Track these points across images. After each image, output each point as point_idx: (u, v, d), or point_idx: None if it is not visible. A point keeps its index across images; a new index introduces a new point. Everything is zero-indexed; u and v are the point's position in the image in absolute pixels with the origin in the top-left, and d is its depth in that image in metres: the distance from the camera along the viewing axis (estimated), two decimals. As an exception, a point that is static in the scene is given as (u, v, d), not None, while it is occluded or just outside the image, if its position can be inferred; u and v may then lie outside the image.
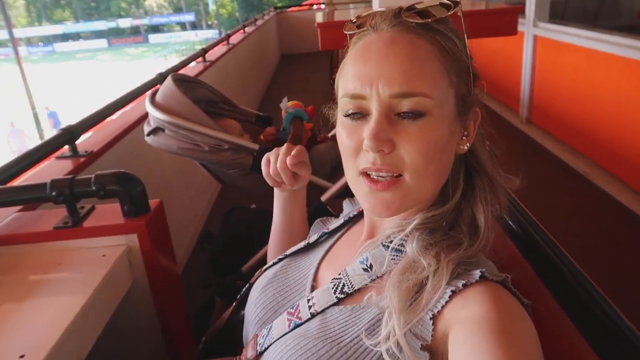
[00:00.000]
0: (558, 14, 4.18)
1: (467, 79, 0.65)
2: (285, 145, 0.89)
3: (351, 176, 0.67)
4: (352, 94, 0.63)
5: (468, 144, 0.67)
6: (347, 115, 0.65)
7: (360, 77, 0.62)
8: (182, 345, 1.18)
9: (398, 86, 0.60)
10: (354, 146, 0.64)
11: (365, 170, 0.63)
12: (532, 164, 3.67)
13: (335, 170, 1.73)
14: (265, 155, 0.90)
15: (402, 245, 0.67)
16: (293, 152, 0.85)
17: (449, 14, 0.63)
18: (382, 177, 0.63)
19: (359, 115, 0.63)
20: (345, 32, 0.70)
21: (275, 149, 0.89)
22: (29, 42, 50.62)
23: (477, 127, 0.68)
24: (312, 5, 11.61)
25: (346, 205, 0.95)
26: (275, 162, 0.86)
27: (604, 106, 3.37)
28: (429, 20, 0.62)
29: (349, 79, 0.64)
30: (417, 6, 0.64)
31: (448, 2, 0.63)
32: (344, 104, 0.65)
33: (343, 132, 0.66)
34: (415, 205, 0.67)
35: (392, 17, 0.64)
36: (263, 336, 0.73)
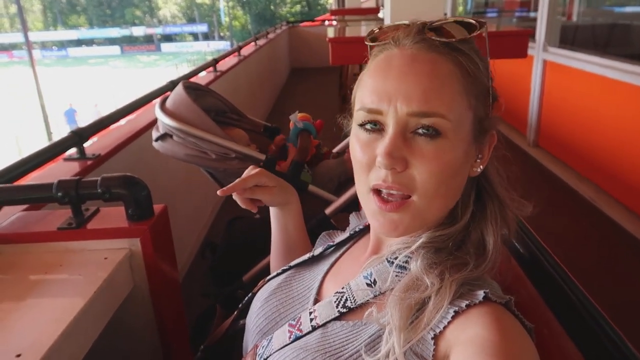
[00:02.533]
0: (568, 40, 4.19)
1: (485, 102, 0.64)
2: (247, 169, 0.88)
3: (362, 191, 0.66)
4: (369, 108, 0.62)
5: (481, 167, 0.66)
6: (362, 125, 0.63)
7: (378, 92, 0.61)
8: (180, 352, 1.17)
9: (416, 105, 0.59)
10: (367, 161, 0.63)
11: (375, 186, 0.63)
12: (537, 187, 3.65)
13: (341, 185, 1.73)
14: None
15: (406, 262, 0.66)
16: (230, 185, 0.84)
17: (474, 34, 0.62)
18: (392, 195, 0.62)
19: (375, 127, 0.62)
20: (367, 43, 0.69)
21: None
22: (44, 45, 51.35)
23: (491, 150, 0.67)
24: (324, 21, 11.74)
25: (352, 219, 0.94)
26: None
27: (612, 133, 3.37)
28: (454, 39, 0.61)
29: (367, 92, 0.63)
30: (441, 23, 0.63)
31: (474, 22, 0.62)
32: (359, 116, 0.64)
33: (357, 144, 0.64)
34: (423, 227, 0.66)
35: (416, 33, 0.63)
36: (263, 347, 0.72)
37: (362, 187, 0.66)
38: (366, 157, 0.63)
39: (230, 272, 1.72)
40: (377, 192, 0.63)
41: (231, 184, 0.84)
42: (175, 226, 1.16)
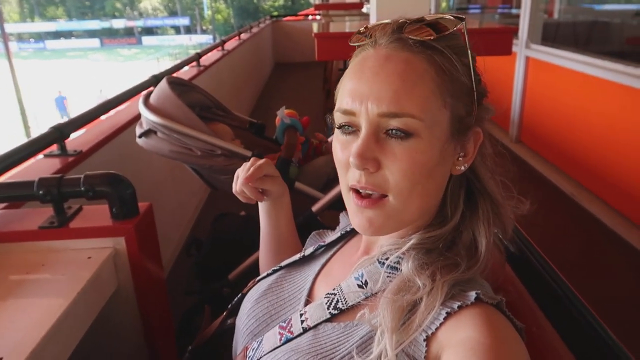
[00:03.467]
0: (550, 37, 4.24)
1: (466, 99, 0.64)
2: (251, 160, 0.88)
3: (343, 190, 0.67)
4: (343, 109, 0.63)
5: (465, 165, 0.66)
6: (339, 128, 0.65)
7: (352, 93, 0.62)
8: (165, 351, 1.16)
9: (386, 106, 0.59)
10: (345, 161, 0.63)
11: (352, 186, 0.64)
12: (519, 183, 3.69)
13: (330, 182, 1.72)
14: (236, 172, 0.89)
15: (398, 262, 0.66)
16: (250, 171, 0.85)
17: (450, 31, 0.61)
18: (369, 194, 0.62)
19: (351, 129, 0.63)
20: (350, 44, 0.69)
21: (243, 165, 0.89)
22: (20, 38, 50.17)
23: (477, 148, 0.67)
24: (307, 15, 11.70)
25: (343, 219, 0.94)
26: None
27: (592, 129, 3.42)
28: (431, 37, 0.61)
29: (344, 94, 0.64)
30: (419, 22, 0.62)
31: (452, 18, 0.61)
32: (337, 118, 0.65)
33: (337, 145, 0.66)
34: (401, 226, 0.66)
35: (392, 32, 0.63)
36: (253, 349, 0.71)
37: (343, 186, 0.67)
38: (344, 157, 0.64)
39: (215, 269, 1.71)
40: (355, 190, 0.64)
41: (249, 173, 0.85)
42: (159, 222, 1.15)
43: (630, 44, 3.90)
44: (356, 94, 0.61)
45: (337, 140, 0.66)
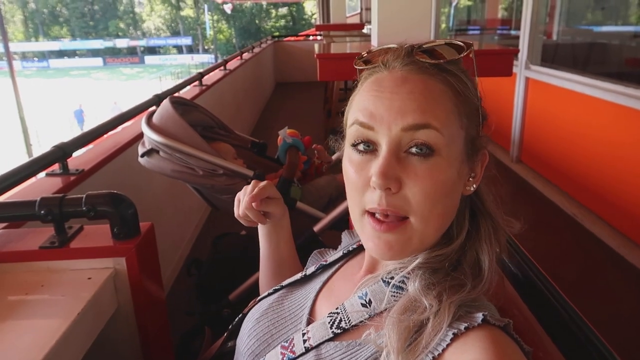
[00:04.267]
0: (549, 58, 4.28)
1: (477, 121, 0.65)
2: (252, 183, 0.88)
3: (356, 214, 0.65)
4: (361, 122, 0.61)
5: (475, 185, 0.66)
6: (355, 145, 0.63)
7: (370, 110, 0.61)
8: (164, 375, 1.14)
9: (412, 118, 0.59)
10: (362, 183, 0.62)
11: (370, 210, 0.62)
12: (520, 203, 3.69)
13: (332, 202, 1.72)
14: (237, 196, 0.89)
15: (403, 282, 0.65)
16: (254, 192, 0.85)
17: (462, 55, 0.63)
18: (387, 217, 0.61)
19: (368, 148, 0.62)
20: (355, 67, 0.69)
21: (244, 188, 0.89)
22: (24, 56, 50.72)
23: (483, 169, 0.68)
24: (308, 35, 11.86)
25: (345, 238, 0.93)
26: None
27: (593, 150, 3.43)
28: (442, 61, 0.62)
29: (359, 110, 0.63)
30: (430, 46, 0.63)
31: (462, 43, 0.63)
32: (352, 132, 0.63)
33: (350, 167, 0.63)
34: (419, 248, 0.65)
35: (405, 55, 0.63)
36: None
37: (355, 209, 0.64)
38: (361, 179, 0.62)
39: (216, 290, 1.69)
40: (371, 213, 0.62)
41: (254, 192, 0.85)
42: (159, 242, 1.14)
43: (629, 65, 3.93)
44: (375, 112, 0.61)
45: (351, 162, 0.63)
